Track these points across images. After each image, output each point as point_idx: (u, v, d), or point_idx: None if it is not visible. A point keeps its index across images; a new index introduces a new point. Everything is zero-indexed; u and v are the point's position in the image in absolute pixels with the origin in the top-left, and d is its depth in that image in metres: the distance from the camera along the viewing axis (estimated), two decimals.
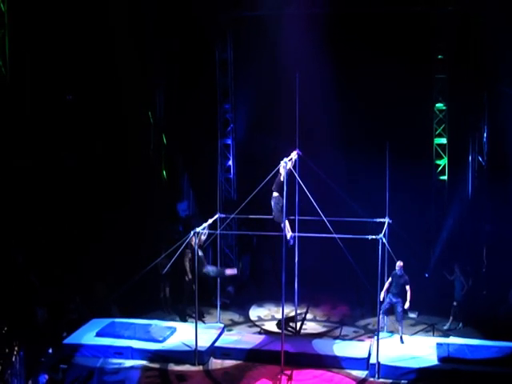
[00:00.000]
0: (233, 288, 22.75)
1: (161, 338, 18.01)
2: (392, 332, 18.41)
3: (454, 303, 19.80)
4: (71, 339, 18.14)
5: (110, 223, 21.30)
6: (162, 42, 23.07)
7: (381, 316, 17.81)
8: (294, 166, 17.38)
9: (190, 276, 20.09)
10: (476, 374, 16.19)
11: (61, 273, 19.72)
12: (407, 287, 17.71)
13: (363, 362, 17.02)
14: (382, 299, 17.86)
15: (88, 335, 18.28)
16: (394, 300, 17.84)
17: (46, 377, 15.43)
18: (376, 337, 16.91)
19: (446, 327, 19.72)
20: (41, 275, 19.19)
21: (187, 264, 20.07)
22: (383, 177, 18.02)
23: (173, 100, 24.00)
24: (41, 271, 19.28)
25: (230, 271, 19.62)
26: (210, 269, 19.15)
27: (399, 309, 17.90)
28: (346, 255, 16.58)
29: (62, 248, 20.23)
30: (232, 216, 18.99)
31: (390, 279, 17.98)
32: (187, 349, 17.62)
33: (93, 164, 21.61)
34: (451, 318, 19.85)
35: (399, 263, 17.57)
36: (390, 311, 18.28)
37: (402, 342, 17.84)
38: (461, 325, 19.78)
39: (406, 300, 17.74)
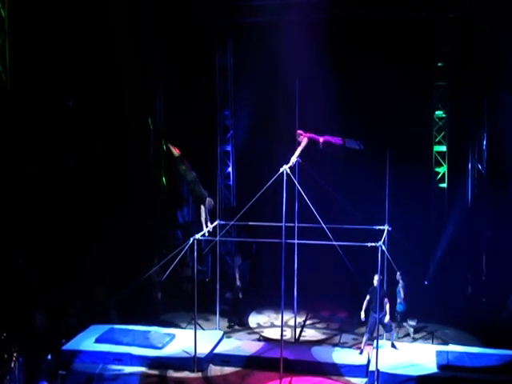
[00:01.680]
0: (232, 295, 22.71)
1: (160, 345, 17.98)
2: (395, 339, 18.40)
3: (395, 314, 19.47)
4: (70, 345, 18.09)
5: (110, 228, 21.30)
6: (162, 47, 23.10)
7: (366, 336, 17.75)
8: (294, 173, 17.36)
9: (239, 283, 20.47)
10: (475, 381, 16.18)
11: (60, 277, 19.71)
12: (386, 300, 17.59)
13: (362, 370, 17.01)
14: (362, 319, 17.87)
15: (87, 341, 18.25)
16: (379, 316, 17.46)
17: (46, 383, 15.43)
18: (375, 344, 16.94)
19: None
20: (40, 279, 19.16)
21: (237, 270, 20.17)
22: (383, 184, 18.00)
23: (172, 106, 24.00)
24: (40, 275, 19.25)
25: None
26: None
27: (386, 321, 17.70)
28: (346, 262, 16.57)
29: (62, 252, 20.21)
30: (231, 223, 18.98)
31: (367, 297, 17.79)
32: (186, 355, 17.60)
33: (93, 169, 21.59)
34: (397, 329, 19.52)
35: (376, 277, 17.28)
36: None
37: (395, 348, 17.81)
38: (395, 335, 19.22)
39: (385, 313, 17.63)
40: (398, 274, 19.31)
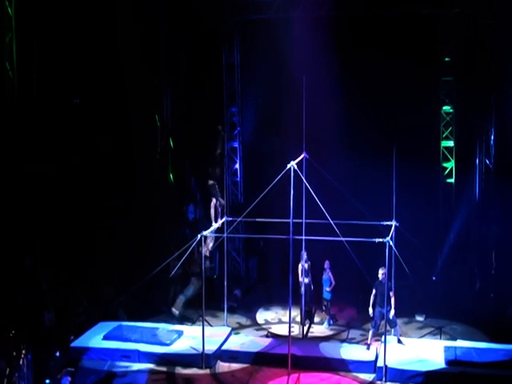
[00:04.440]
0: (240, 291, 22.74)
1: (168, 342, 18.01)
2: (400, 335, 18.35)
3: (325, 303, 20.20)
4: (78, 342, 18.16)
5: (117, 227, 21.32)
6: (169, 45, 23.12)
7: (372, 331, 17.81)
8: (301, 169, 17.34)
9: (308, 279, 20.39)
10: (483, 377, 16.15)
11: (69, 276, 19.75)
12: (391, 293, 17.55)
13: (370, 365, 17.00)
14: (371, 314, 17.85)
15: (95, 338, 18.31)
16: (384, 310, 17.39)
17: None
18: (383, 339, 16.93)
19: (324, 325, 20.23)
20: (49, 278, 19.21)
21: (303, 266, 20.29)
22: (390, 179, 17.97)
23: (180, 103, 24.01)
24: (49, 274, 19.30)
25: None
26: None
27: (390, 316, 17.62)
28: (353, 258, 16.55)
29: (70, 251, 20.25)
30: (239, 219, 18.99)
31: (373, 291, 17.80)
32: (194, 352, 17.62)
33: (100, 167, 21.63)
34: (327, 316, 20.32)
35: (382, 271, 17.36)
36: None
37: (401, 343, 17.80)
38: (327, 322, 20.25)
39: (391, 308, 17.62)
40: (326, 263, 19.93)
